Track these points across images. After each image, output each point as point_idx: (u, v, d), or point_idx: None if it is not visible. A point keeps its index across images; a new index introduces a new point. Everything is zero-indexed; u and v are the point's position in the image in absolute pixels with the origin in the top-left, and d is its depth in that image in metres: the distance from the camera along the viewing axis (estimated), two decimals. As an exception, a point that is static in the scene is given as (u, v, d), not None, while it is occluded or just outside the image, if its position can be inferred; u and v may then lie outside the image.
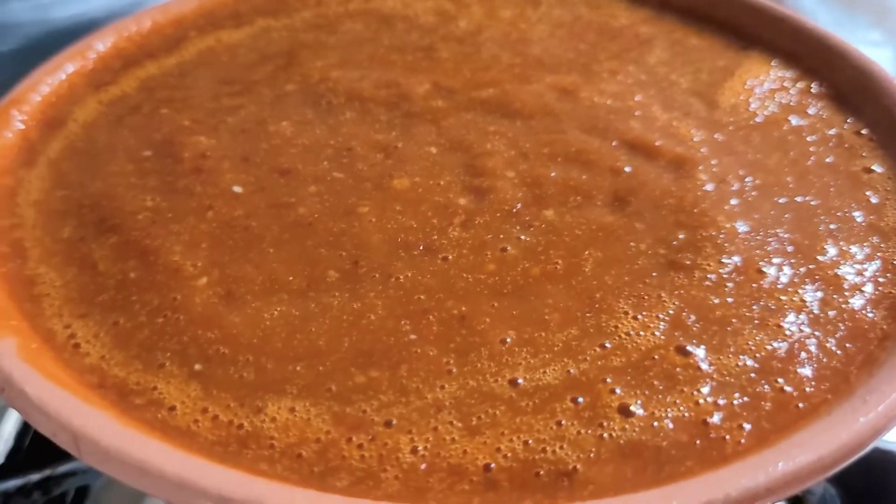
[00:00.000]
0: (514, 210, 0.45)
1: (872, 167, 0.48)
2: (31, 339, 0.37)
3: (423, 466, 0.33)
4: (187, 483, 0.30)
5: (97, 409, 0.33)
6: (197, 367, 0.37)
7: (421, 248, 0.42)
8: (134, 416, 0.35)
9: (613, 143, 0.49)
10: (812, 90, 0.54)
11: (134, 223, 0.44)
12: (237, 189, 0.46)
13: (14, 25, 0.85)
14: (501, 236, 0.43)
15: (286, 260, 0.42)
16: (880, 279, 0.41)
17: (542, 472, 0.33)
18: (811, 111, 0.52)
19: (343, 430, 0.34)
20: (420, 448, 0.34)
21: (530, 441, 0.34)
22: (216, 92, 0.54)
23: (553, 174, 0.47)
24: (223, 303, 0.40)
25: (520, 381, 0.36)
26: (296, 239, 0.43)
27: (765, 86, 0.54)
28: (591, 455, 0.33)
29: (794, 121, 0.52)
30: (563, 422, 0.35)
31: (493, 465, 0.33)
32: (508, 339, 0.38)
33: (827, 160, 0.49)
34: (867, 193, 0.46)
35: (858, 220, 0.45)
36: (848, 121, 0.51)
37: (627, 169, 0.47)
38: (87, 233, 0.44)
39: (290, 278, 0.41)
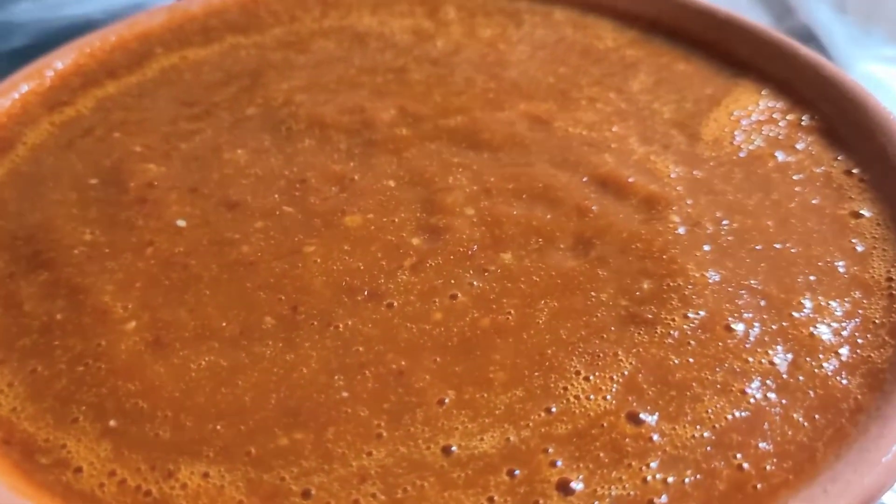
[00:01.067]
0: (470, 252, 0.42)
1: (861, 211, 0.44)
2: (-60, 388, 0.35)
3: (333, 546, 0.31)
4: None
5: (-10, 475, 0.31)
6: (112, 423, 0.35)
7: (366, 293, 0.40)
8: (35, 479, 0.33)
9: (584, 179, 0.46)
10: (802, 123, 0.50)
11: (68, 258, 0.42)
12: (181, 223, 0.44)
13: (20, 24, 0.84)
14: (453, 282, 0.40)
15: (222, 304, 0.39)
16: (859, 340, 0.38)
17: (466, 557, 0.30)
18: (799, 146, 0.49)
19: (257, 501, 0.32)
20: (337, 524, 0.31)
21: (457, 519, 0.31)
22: (174, 114, 0.52)
23: (515, 212, 0.44)
24: (149, 350, 0.37)
25: (454, 448, 0.34)
26: (235, 280, 0.41)
27: (752, 117, 0.51)
28: (523, 538, 0.31)
29: (781, 157, 0.48)
30: (496, 498, 0.32)
31: (413, 547, 0.31)
32: (447, 400, 0.35)
33: (812, 202, 0.45)
34: (853, 241, 0.43)
35: (841, 271, 0.41)
36: (838, 158, 0.48)
37: (595, 208, 0.44)
38: (18, 268, 0.42)
39: (224, 324, 0.38)
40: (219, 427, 0.34)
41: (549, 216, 0.44)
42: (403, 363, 0.37)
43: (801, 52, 0.53)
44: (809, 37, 0.94)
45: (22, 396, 0.36)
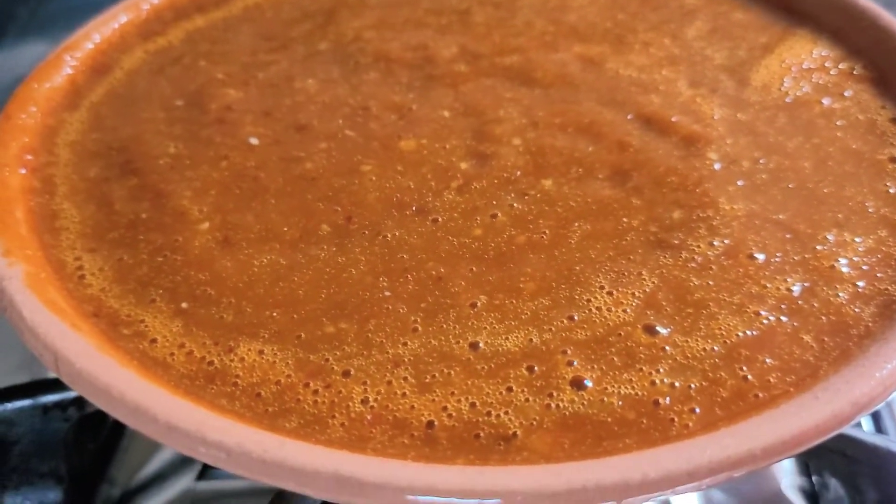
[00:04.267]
0: (513, 178, 0.45)
1: (900, 157, 0.46)
2: (42, 268, 0.40)
3: (369, 417, 0.35)
4: (141, 409, 0.33)
5: (79, 335, 0.36)
6: (184, 305, 0.39)
7: (414, 208, 0.43)
8: (118, 345, 0.37)
9: (628, 117, 0.48)
10: (854, 72, 0.51)
11: (154, 167, 0.47)
12: (253, 141, 0.48)
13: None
14: (494, 202, 0.44)
15: (285, 211, 0.44)
16: (878, 274, 0.40)
17: (481, 434, 0.34)
18: (847, 94, 0.50)
19: (303, 376, 0.36)
20: (371, 399, 0.35)
21: (478, 403, 0.35)
22: (254, 47, 0.56)
23: (559, 144, 0.47)
24: (219, 247, 0.42)
25: (480, 344, 0.37)
26: (298, 192, 0.45)
27: (804, 65, 0.52)
28: (534, 423, 0.34)
29: (827, 103, 0.49)
30: (514, 388, 0.35)
31: (436, 423, 0.34)
32: (479, 304, 0.39)
33: (852, 147, 0.46)
34: (887, 184, 0.44)
35: (870, 210, 0.43)
36: (884, 107, 0.49)
37: (636, 143, 0.46)
38: (112, 174, 0.47)
39: (285, 229, 0.43)
40: (275, 314, 0.39)
41: (590, 149, 0.46)
42: (442, 270, 0.40)
43: (858, 1, 0.53)
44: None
45: (110, 279, 0.41)
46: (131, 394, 0.33)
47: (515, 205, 0.43)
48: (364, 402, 0.35)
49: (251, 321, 0.39)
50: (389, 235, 0.42)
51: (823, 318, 0.38)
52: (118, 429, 0.56)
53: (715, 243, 0.41)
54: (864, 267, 0.40)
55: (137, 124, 0.50)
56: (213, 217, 0.44)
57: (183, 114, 0.51)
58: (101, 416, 0.55)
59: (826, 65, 0.52)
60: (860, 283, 0.39)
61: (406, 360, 0.37)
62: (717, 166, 0.45)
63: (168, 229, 0.43)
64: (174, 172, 0.46)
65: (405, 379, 0.36)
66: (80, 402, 0.53)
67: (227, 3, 0.61)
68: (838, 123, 0.48)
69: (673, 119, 0.48)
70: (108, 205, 0.45)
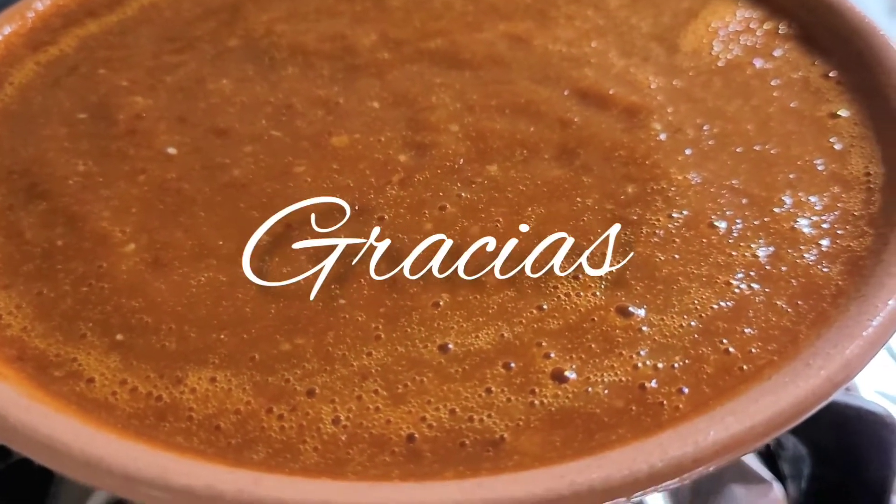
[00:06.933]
0: (457, 166, 0.43)
1: (838, 112, 0.45)
2: (-52, 313, 0.36)
3: (343, 437, 0.32)
4: (93, 460, 0.29)
5: (5, 384, 0.32)
6: (118, 337, 0.36)
7: (356, 208, 0.41)
8: (51, 390, 0.34)
9: (565, 93, 0.47)
10: (780, 31, 0.51)
11: (64, 189, 0.42)
12: (171, 150, 0.44)
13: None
14: (441, 194, 0.41)
15: (217, 224, 0.40)
16: (839, 231, 0.39)
17: (467, 442, 0.32)
18: (777, 53, 0.50)
19: (263, 401, 0.33)
20: (342, 418, 0.32)
21: (457, 409, 0.33)
22: (157, 50, 0.52)
23: (499, 127, 0.45)
24: (150, 270, 0.38)
25: (450, 346, 0.35)
26: (228, 201, 0.41)
27: (730, 27, 0.52)
28: (520, 423, 0.32)
29: (759, 64, 0.49)
30: (493, 389, 0.33)
31: (416, 436, 0.32)
32: (441, 302, 0.36)
33: (791, 105, 0.46)
34: (831, 140, 0.44)
35: (820, 168, 0.42)
36: (815, 63, 0.49)
37: (577, 120, 0.45)
38: (17, 200, 0.42)
39: (220, 243, 0.39)
40: (222, 336, 0.35)
41: (532, 129, 0.45)
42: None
43: (775, -39, 0.53)
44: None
45: (31, 317, 0.37)
46: (78, 444, 0.29)
47: (463, 194, 0.41)
48: (335, 421, 0.32)
49: (197, 347, 0.35)
50: (335, 239, 0.39)
51: (794, 281, 0.37)
52: (47, 475, 0.51)
53: (674, 215, 0.40)
54: (825, 225, 0.40)
55: (38, 143, 0.45)
56: (139, 237, 0.40)
57: (88, 128, 0.46)
58: (26, 463, 0.51)
59: (751, 26, 0.52)
60: (823, 242, 0.39)
61: (373, 371, 0.34)
62: (662, 136, 0.44)
63: (89, 255, 0.39)
64: (87, 192, 0.42)
65: (376, 392, 0.33)
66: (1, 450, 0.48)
67: (121, 5, 0.56)
68: (773, 83, 0.48)
69: (610, 91, 0.47)
70: (18, 235, 0.40)
